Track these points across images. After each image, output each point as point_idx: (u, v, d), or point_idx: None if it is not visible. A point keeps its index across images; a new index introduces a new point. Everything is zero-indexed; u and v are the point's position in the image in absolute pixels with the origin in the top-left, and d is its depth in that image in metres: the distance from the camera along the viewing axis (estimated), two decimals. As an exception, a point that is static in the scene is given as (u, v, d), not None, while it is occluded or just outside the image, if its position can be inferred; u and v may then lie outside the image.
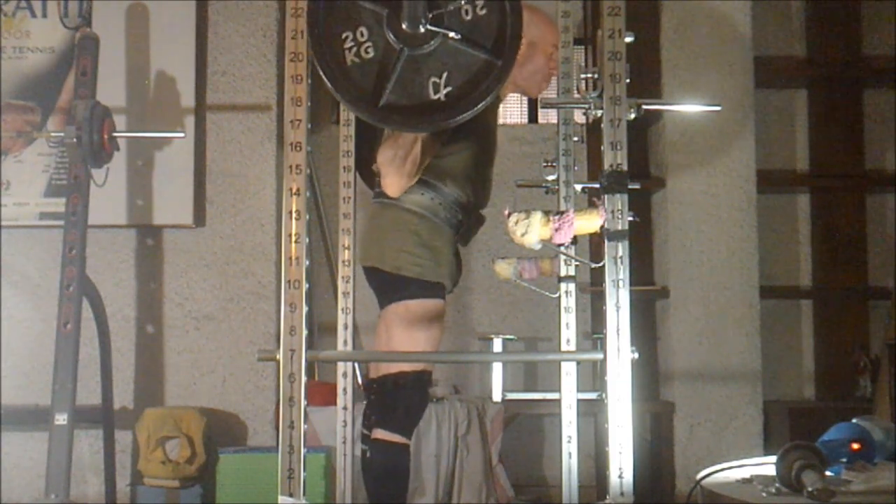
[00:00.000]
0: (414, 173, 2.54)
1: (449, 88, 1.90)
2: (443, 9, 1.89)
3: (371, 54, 1.91)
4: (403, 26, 1.88)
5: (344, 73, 1.91)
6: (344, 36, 1.91)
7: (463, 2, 1.90)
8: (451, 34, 1.88)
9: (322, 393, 3.87)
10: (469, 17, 1.90)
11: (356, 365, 3.44)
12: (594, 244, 3.22)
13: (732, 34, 4.36)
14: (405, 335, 2.59)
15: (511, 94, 5.28)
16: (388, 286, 2.64)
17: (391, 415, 2.60)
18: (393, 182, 2.55)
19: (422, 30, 1.88)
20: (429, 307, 2.61)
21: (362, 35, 1.91)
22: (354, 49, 1.91)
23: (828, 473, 2.41)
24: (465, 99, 1.90)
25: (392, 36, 1.90)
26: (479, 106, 1.94)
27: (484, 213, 2.89)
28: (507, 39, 1.90)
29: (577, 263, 2.96)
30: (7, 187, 4.15)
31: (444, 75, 1.90)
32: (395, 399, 2.60)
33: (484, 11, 1.90)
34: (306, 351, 1.87)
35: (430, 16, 1.88)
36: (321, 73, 1.92)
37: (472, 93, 1.90)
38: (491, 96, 1.93)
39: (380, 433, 2.59)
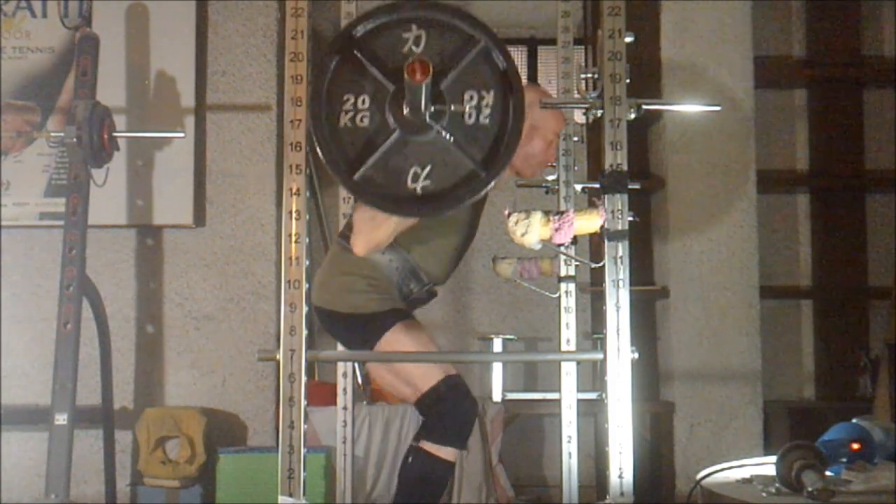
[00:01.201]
0: (385, 241, 2.51)
1: (427, 182, 1.86)
2: (446, 106, 1.86)
3: (365, 124, 1.88)
4: (404, 110, 1.85)
5: (333, 133, 1.88)
6: (346, 98, 1.89)
7: (468, 107, 1.87)
8: (446, 135, 1.85)
9: (322, 393, 3.88)
10: (470, 122, 1.87)
11: (356, 365, 3.43)
12: (594, 244, 3.22)
13: (732, 34, 4.36)
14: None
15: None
16: (354, 329, 2.61)
17: (436, 427, 2.56)
18: (362, 242, 2.50)
19: (423, 119, 1.85)
20: (401, 329, 2.59)
21: (363, 103, 1.88)
22: (351, 114, 1.89)
23: (828, 473, 2.41)
24: (439, 199, 1.87)
25: (390, 114, 1.87)
26: (449, 210, 1.92)
27: (492, 203, 2.84)
28: (499, 155, 1.86)
29: (577, 263, 2.97)
30: (7, 187, 4.15)
31: (427, 168, 1.86)
32: (439, 413, 2.55)
33: (488, 122, 1.87)
34: (306, 351, 1.87)
35: (433, 109, 1.84)
36: (311, 126, 1.89)
37: (448, 195, 1.87)
38: (464, 203, 1.89)
39: (427, 445, 2.54)
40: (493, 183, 1.88)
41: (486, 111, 1.87)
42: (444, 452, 2.54)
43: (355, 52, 1.89)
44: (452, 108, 1.86)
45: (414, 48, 1.88)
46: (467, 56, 1.88)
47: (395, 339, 2.57)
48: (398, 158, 1.86)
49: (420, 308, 2.83)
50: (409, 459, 2.57)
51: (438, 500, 2.61)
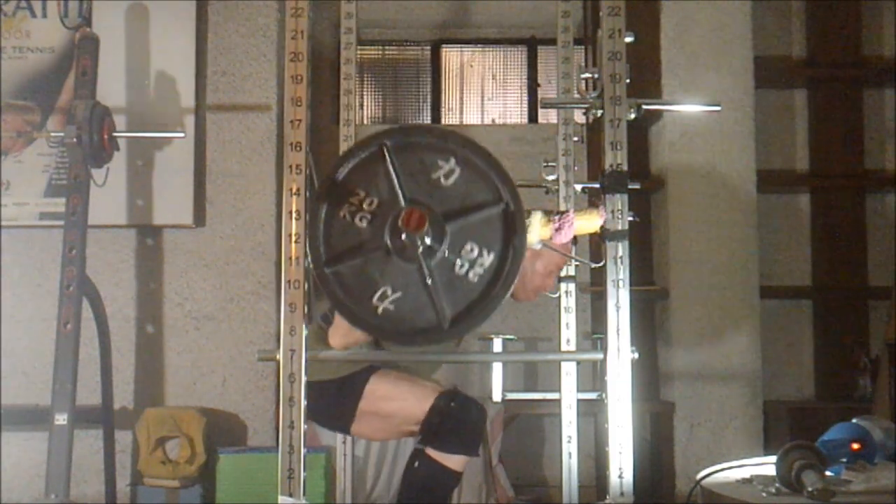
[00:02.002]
0: (364, 340, 2.43)
1: (391, 308, 1.79)
2: (440, 247, 1.78)
3: (363, 224, 1.82)
4: (402, 234, 1.78)
5: (329, 217, 1.83)
6: (358, 191, 1.82)
7: (460, 258, 1.79)
8: (428, 278, 1.78)
9: (322, 393, 3.87)
10: (460, 272, 1.79)
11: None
12: (594, 244, 3.22)
13: (732, 34, 4.36)
14: (393, 401, 2.57)
15: (513, 91, 5.32)
16: (329, 396, 2.57)
17: (447, 438, 2.53)
18: (339, 337, 2.43)
19: (414, 251, 1.78)
20: (377, 379, 2.58)
21: (370, 204, 1.82)
22: (354, 209, 1.82)
23: (828, 473, 2.41)
24: (392, 328, 1.80)
25: (388, 230, 1.80)
26: (395, 343, 1.87)
27: None
28: (469, 317, 1.79)
29: (577, 263, 2.97)
30: (7, 187, 4.15)
31: (397, 294, 1.79)
32: (449, 425, 2.53)
33: (475, 280, 1.79)
34: (306, 351, 1.87)
35: (427, 243, 1.77)
36: (310, 207, 1.84)
37: (402, 330, 1.80)
38: (413, 345, 1.84)
39: (433, 452, 2.53)
40: (450, 339, 1.81)
41: (479, 270, 1.79)
42: (452, 461, 2.51)
43: (385, 153, 1.83)
44: (447, 254, 1.79)
45: (444, 180, 1.82)
46: (486, 211, 1.81)
47: (378, 387, 2.55)
48: (375, 271, 1.80)
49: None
50: (416, 464, 2.54)
51: None
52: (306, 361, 1.86)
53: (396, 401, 2.56)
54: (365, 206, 1.82)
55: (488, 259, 1.80)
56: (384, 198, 1.82)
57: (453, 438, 2.51)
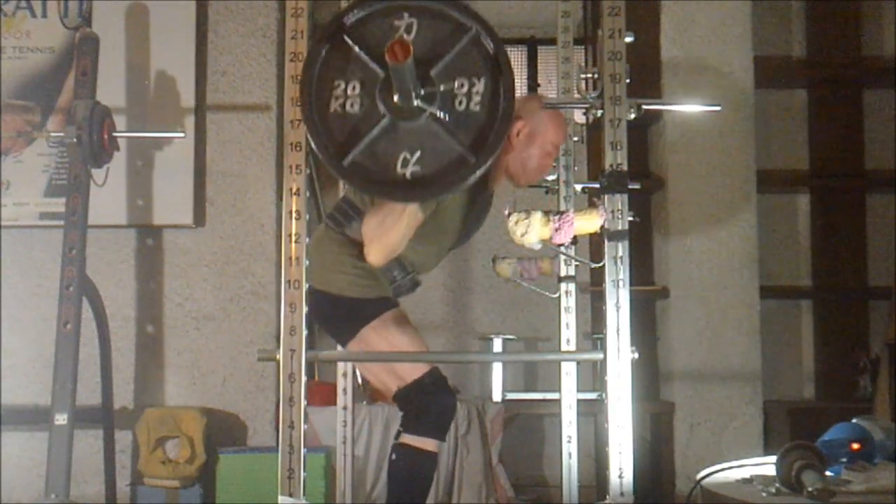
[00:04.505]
0: (399, 245, 2.39)
1: (417, 168, 1.86)
2: (436, 88, 1.86)
3: (355, 110, 1.88)
4: (394, 97, 1.84)
5: (323, 119, 1.88)
6: (336, 83, 1.89)
7: (458, 94, 1.86)
8: (439, 113, 1.84)
9: (322, 393, 3.88)
10: (461, 108, 1.87)
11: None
12: (594, 244, 3.22)
13: (732, 34, 4.36)
14: (392, 347, 2.56)
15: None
16: (339, 312, 2.57)
17: (417, 419, 2.55)
18: (376, 250, 2.38)
19: (413, 104, 1.84)
20: (389, 319, 2.57)
21: (353, 89, 1.88)
22: (341, 100, 1.88)
23: (828, 473, 2.41)
24: (428, 184, 1.87)
25: (380, 101, 1.86)
26: (438, 195, 1.93)
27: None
28: (488, 141, 1.86)
29: (577, 263, 2.97)
30: (7, 187, 4.15)
31: (417, 154, 1.86)
32: (421, 404, 2.55)
33: (478, 108, 1.87)
34: (306, 351, 1.87)
35: (423, 92, 1.84)
36: (301, 112, 1.89)
37: (437, 181, 1.86)
38: (454, 189, 1.90)
39: (408, 438, 2.54)
40: (482, 169, 1.87)
41: (477, 98, 1.87)
42: (427, 444, 2.54)
43: (346, 39, 1.89)
44: (443, 88, 1.86)
45: (405, 36, 1.87)
46: (459, 43, 1.88)
47: (383, 328, 2.55)
48: (387, 144, 1.86)
49: (420, 307, 2.83)
50: (394, 456, 2.58)
51: (427, 492, 2.61)
52: (306, 361, 1.87)
53: (395, 349, 2.56)
54: (349, 92, 1.88)
55: (481, 84, 1.88)
56: (362, 77, 1.88)
57: (427, 420, 2.54)
